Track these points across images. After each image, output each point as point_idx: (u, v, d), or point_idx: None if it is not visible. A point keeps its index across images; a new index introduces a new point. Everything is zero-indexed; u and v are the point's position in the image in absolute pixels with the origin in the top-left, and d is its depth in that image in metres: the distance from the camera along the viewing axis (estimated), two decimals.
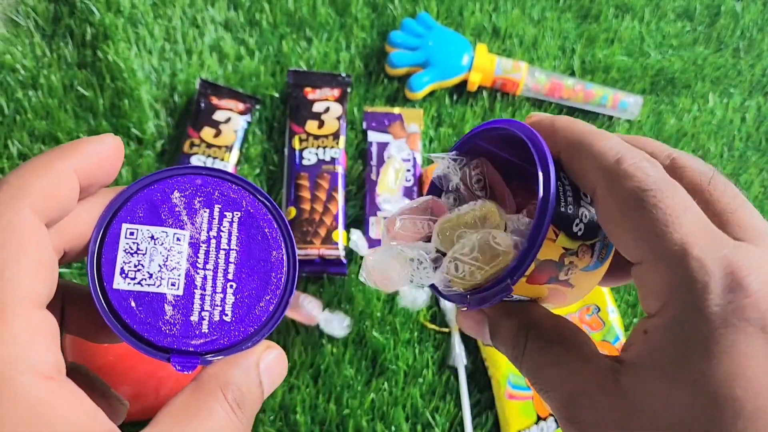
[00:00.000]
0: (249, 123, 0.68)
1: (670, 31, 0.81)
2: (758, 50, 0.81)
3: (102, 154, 0.23)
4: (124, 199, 0.25)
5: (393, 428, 0.57)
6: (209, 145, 0.65)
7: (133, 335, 0.23)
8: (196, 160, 0.64)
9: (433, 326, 0.61)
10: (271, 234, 0.26)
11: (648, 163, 0.21)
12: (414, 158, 0.69)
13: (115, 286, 0.23)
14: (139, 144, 0.67)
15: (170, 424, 0.21)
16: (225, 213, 0.26)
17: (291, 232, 0.26)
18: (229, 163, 0.65)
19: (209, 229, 0.25)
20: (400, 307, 0.61)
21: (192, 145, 0.65)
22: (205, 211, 0.25)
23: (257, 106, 0.70)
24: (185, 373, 0.23)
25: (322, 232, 0.63)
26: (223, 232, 0.25)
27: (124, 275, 0.23)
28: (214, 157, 0.65)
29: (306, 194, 0.64)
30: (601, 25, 0.79)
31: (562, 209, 0.23)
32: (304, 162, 0.66)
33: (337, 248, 0.62)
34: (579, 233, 0.23)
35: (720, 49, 0.80)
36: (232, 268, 0.25)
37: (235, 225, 0.25)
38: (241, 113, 0.68)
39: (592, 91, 0.72)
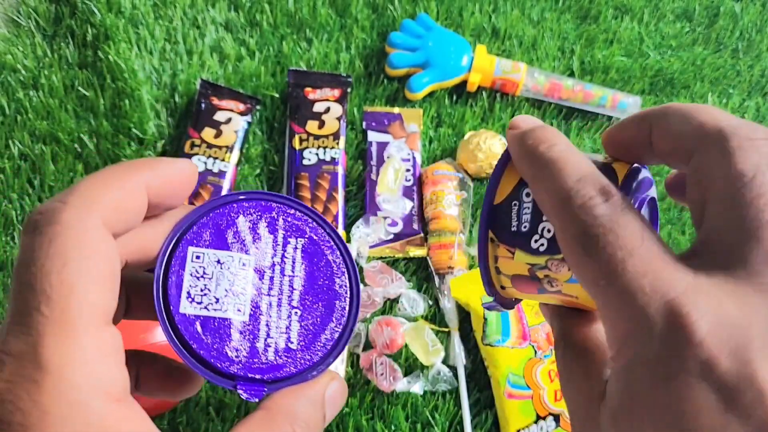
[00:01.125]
0: (249, 123, 0.68)
1: (669, 31, 0.81)
2: (757, 51, 0.81)
3: (174, 176, 0.23)
4: (189, 223, 0.25)
5: (393, 427, 0.57)
6: (210, 146, 0.66)
7: (199, 361, 0.23)
8: (196, 161, 0.65)
9: (432, 326, 0.61)
10: (334, 261, 0.25)
11: (599, 199, 0.20)
12: (413, 158, 0.69)
13: (181, 310, 0.23)
14: (139, 144, 0.67)
15: None
16: (289, 239, 0.25)
17: (353, 259, 0.26)
18: (230, 163, 0.65)
19: (273, 255, 0.25)
20: (400, 313, 0.62)
21: (193, 145, 0.66)
22: (269, 237, 0.25)
23: (258, 107, 0.70)
24: (252, 401, 0.23)
25: None
26: (287, 258, 0.25)
27: (190, 299, 0.23)
28: (215, 158, 0.65)
29: (306, 194, 0.65)
30: (600, 26, 0.80)
31: (513, 228, 0.24)
32: (305, 162, 0.66)
33: None
34: (542, 249, 0.23)
35: (719, 50, 0.81)
36: (296, 294, 0.24)
37: (299, 251, 0.25)
38: (242, 113, 0.68)
39: (591, 91, 0.72)
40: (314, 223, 0.26)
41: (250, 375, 0.22)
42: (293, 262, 0.25)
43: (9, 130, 0.66)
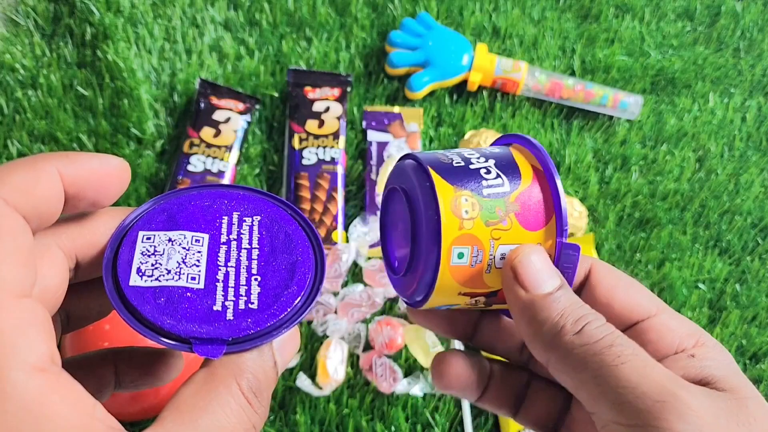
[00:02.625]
0: (249, 123, 0.68)
1: (670, 31, 0.80)
2: (758, 50, 0.81)
3: (97, 169, 0.22)
4: (139, 213, 0.24)
5: (393, 428, 0.57)
6: (209, 145, 0.65)
7: (152, 329, 0.22)
8: (195, 160, 0.64)
9: None
10: (294, 233, 0.25)
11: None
12: None
13: (131, 284, 0.22)
14: (138, 144, 0.67)
15: (178, 421, 0.20)
16: (244, 218, 0.25)
17: (315, 229, 0.26)
18: (229, 163, 0.65)
19: (229, 232, 0.25)
20: (400, 312, 0.61)
21: (192, 145, 0.65)
22: (224, 218, 0.25)
23: (257, 106, 0.70)
24: (213, 359, 0.22)
25: (322, 232, 0.63)
26: (243, 234, 0.25)
27: (140, 274, 0.23)
28: (214, 157, 0.65)
29: (306, 194, 0.64)
30: (601, 25, 0.79)
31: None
32: (304, 162, 0.66)
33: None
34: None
35: (720, 49, 0.80)
36: (255, 264, 0.24)
37: (255, 227, 0.25)
38: (241, 113, 0.68)
39: (592, 90, 0.72)
40: (270, 203, 0.26)
41: (207, 336, 0.22)
42: (250, 237, 0.25)
43: (7, 129, 0.66)
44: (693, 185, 0.71)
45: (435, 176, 0.25)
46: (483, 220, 0.25)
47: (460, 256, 0.25)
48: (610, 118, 0.74)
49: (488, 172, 0.26)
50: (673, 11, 0.82)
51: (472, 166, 0.26)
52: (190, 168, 0.64)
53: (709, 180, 0.72)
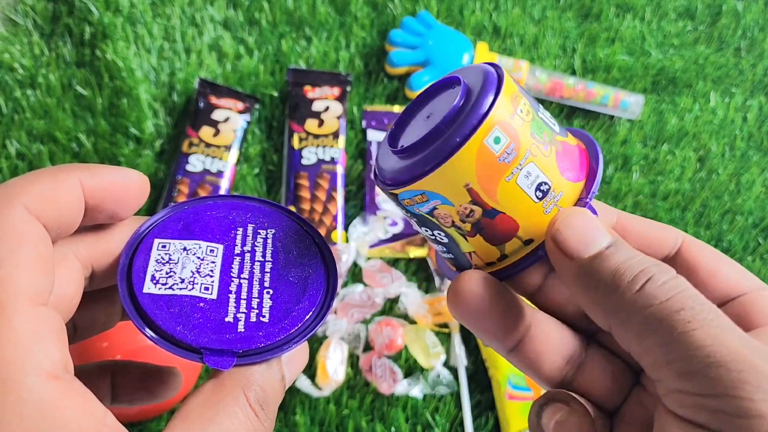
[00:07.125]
0: (248, 122, 0.68)
1: (671, 30, 0.80)
2: (759, 50, 0.80)
3: (117, 182, 0.22)
4: (155, 220, 0.25)
5: (393, 429, 0.57)
6: (208, 145, 0.65)
7: (164, 337, 0.22)
8: (194, 160, 0.64)
9: (433, 326, 0.61)
10: (308, 249, 0.25)
11: None
12: None
13: (145, 291, 0.23)
14: (137, 143, 0.66)
15: (186, 431, 0.20)
16: (259, 231, 0.26)
17: (328, 245, 0.26)
18: (228, 162, 0.65)
19: (243, 244, 0.25)
20: (400, 312, 0.61)
21: (191, 144, 0.65)
22: (238, 230, 0.25)
23: (256, 106, 0.69)
24: (223, 370, 0.22)
25: (322, 232, 0.63)
26: (257, 246, 0.25)
27: (154, 281, 0.23)
28: (213, 157, 0.65)
29: (305, 194, 0.64)
30: (602, 24, 0.79)
31: None
32: (304, 161, 0.65)
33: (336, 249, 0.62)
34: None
35: (721, 49, 0.80)
36: (268, 277, 0.24)
37: (269, 241, 0.25)
38: (240, 112, 0.67)
39: (593, 90, 0.72)
40: (285, 217, 0.26)
41: (218, 347, 0.22)
42: (264, 249, 0.25)
43: (6, 129, 0.65)
44: (694, 185, 0.71)
45: (506, 75, 0.23)
46: (530, 129, 0.22)
47: (497, 140, 0.22)
48: (611, 117, 0.74)
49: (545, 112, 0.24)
50: (674, 10, 0.81)
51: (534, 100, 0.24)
52: (189, 168, 0.64)
53: (710, 180, 0.72)
